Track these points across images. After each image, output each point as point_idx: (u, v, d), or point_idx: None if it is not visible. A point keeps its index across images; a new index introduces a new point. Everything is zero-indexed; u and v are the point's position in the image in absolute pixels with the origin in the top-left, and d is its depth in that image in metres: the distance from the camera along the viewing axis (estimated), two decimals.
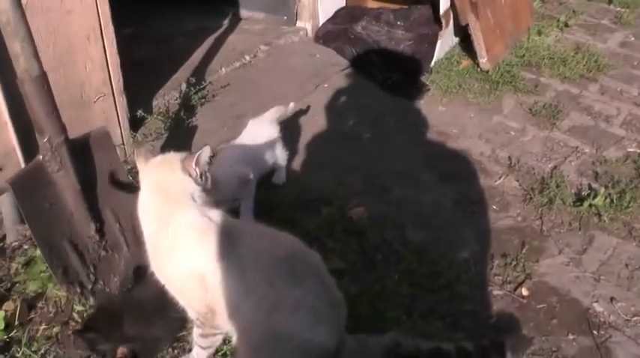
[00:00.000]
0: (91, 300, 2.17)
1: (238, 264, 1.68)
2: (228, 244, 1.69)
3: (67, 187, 2.16)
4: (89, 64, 2.65)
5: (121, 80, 2.84)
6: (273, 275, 1.69)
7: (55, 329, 2.10)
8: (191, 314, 1.82)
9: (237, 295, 1.69)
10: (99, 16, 2.61)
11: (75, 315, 2.16)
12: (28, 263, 2.31)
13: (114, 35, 2.71)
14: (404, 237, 2.57)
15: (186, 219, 1.68)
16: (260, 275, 1.69)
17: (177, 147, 2.33)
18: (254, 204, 2.53)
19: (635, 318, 2.32)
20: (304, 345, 1.72)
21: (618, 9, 4.89)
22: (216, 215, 1.74)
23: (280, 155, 2.72)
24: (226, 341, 1.96)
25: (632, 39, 4.44)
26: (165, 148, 3.04)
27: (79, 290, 2.17)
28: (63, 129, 2.13)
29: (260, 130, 2.70)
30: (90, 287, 2.19)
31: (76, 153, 2.17)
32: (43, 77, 2.02)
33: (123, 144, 2.96)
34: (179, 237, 1.68)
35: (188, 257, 1.69)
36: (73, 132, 2.21)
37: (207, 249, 1.67)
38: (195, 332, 1.86)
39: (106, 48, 2.69)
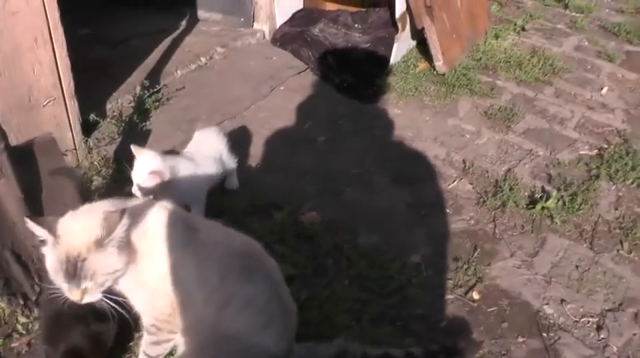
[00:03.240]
0: (36, 312, 2.08)
1: (196, 252, 1.63)
2: (190, 232, 1.65)
3: (8, 196, 2.07)
4: (37, 67, 2.56)
5: (72, 83, 2.74)
6: (228, 268, 1.65)
7: None
8: (148, 320, 1.74)
9: (191, 285, 1.63)
10: (47, 18, 2.52)
11: (19, 327, 2.07)
12: None
13: (64, 37, 2.61)
14: (356, 242, 2.53)
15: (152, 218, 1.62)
16: (214, 266, 1.64)
17: (131, 152, 2.27)
18: (204, 210, 2.48)
19: (583, 319, 2.32)
20: (251, 350, 1.67)
21: (573, 14, 4.97)
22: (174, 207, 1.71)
23: (228, 161, 2.67)
24: (172, 352, 1.89)
25: (586, 43, 4.51)
26: (118, 153, 2.96)
27: (22, 301, 2.08)
28: (3, 135, 2.06)
29: (206, 141, 2.65)
30: (34, 298, 2.10)
31: (18, 160, 2.10)
32: None
33: (75, 149, 2.87)
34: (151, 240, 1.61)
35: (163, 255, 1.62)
36: (22, 138, 2.15)
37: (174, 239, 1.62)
38: (147, 340, 1.78)
39: (56, 50, 2.60)
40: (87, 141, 2.96)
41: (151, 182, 2.22)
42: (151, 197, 2.11)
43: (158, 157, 2.29)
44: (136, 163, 2.27)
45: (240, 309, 1.66)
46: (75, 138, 2.88)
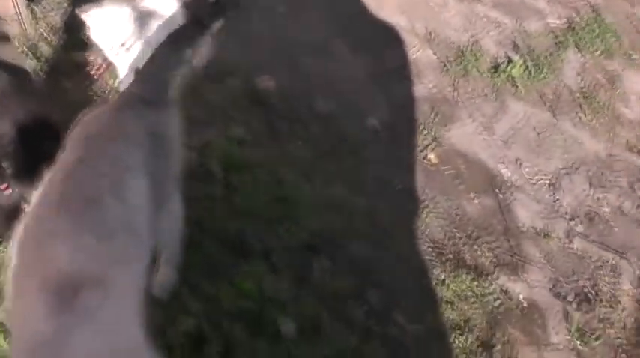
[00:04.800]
0: None
1: None
2: None
3: None
4: None
5: None
6: None
7: None
8: None
9: None
10: None
11: None
12: None
13: None
14: (312, 108, 2.45)
15: None
16: None
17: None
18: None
19: (538, 179, 2.32)
20: None
21: None
22: None
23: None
24: None
25: None
26: (67, 22, 2.77)
27: None
28: None
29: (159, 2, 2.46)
30: None
31: None
32: None
33: (19, 17, 2.66)
34: None
35: None
36: None
37: None
38: None
39: None
40: (32, 9, 2.74)
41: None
42: None
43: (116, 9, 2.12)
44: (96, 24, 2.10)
45: None
46: (17, 4, 2.66)
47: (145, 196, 1.23)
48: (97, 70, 2.36)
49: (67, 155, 1.23)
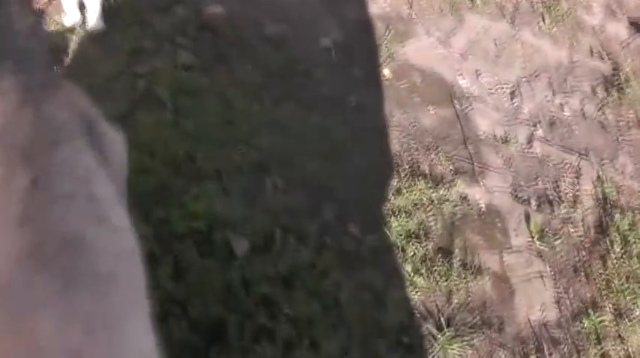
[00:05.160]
0: None
1: None
2: None
3: None
4: None
5: None
6: None
7: None
8: None
9: None
10: None
11: None
12: None
13: None
14: (262, 32, 2.37)
15: None
16: None
17: None
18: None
19: (498, 89, 2.27)
20: None
21: None
22: None
23: None
24: None
25: None
26: None
27: None
28: None
29: None
30: None
31: None
32: None
33: None
34: None
35: None
36: None
37: None
38: None
39: None
40: None
41: None
42: None
43: None
44: None
45: None
46: None
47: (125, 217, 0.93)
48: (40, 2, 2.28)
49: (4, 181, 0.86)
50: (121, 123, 1.24)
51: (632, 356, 1.72)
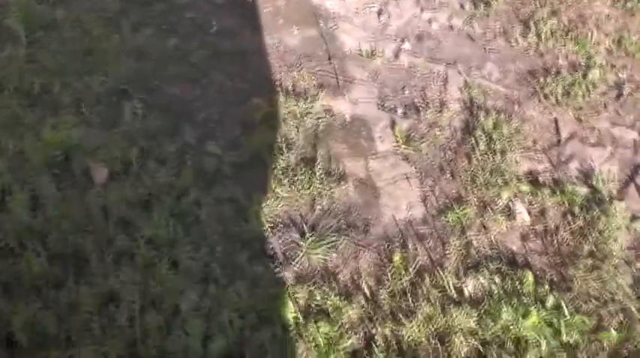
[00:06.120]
0: None
1: None
2: None
3: None
4: None
5: None
6: None
7: None
8: None
9: None
10: None
11: None
12: None
13: None
14: None
15: None
16: None
17: None
18: None
19: (365, 9, 2.25)
20: None
21: None
22: None
23: None
24: None
25: None
26: None
27: None
28: None
29: None
30: None
31: None
32: None
33: None
34: None
35: None
36: None
37: None
38: None
39: None
40: None
41: None
42: None
43: None
44: None
45: None
46: None
47: None
48: None
49: None
50: None
51: (494, 241, 1.71)
